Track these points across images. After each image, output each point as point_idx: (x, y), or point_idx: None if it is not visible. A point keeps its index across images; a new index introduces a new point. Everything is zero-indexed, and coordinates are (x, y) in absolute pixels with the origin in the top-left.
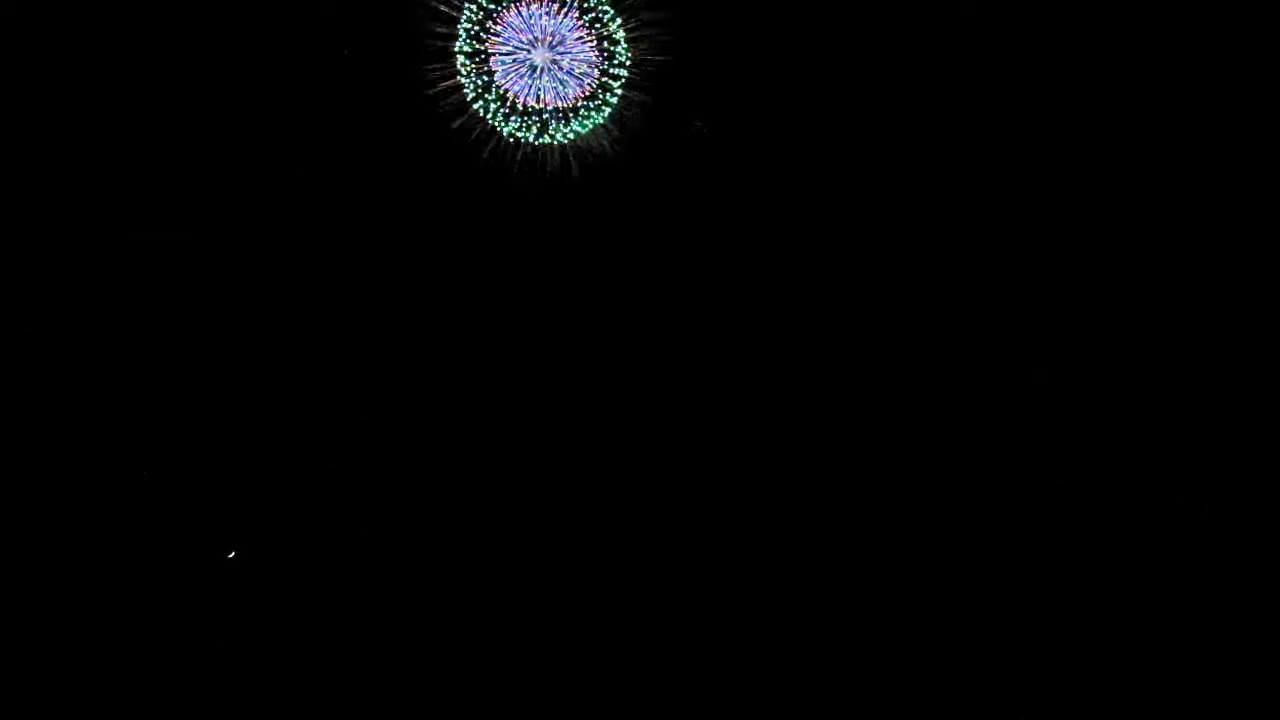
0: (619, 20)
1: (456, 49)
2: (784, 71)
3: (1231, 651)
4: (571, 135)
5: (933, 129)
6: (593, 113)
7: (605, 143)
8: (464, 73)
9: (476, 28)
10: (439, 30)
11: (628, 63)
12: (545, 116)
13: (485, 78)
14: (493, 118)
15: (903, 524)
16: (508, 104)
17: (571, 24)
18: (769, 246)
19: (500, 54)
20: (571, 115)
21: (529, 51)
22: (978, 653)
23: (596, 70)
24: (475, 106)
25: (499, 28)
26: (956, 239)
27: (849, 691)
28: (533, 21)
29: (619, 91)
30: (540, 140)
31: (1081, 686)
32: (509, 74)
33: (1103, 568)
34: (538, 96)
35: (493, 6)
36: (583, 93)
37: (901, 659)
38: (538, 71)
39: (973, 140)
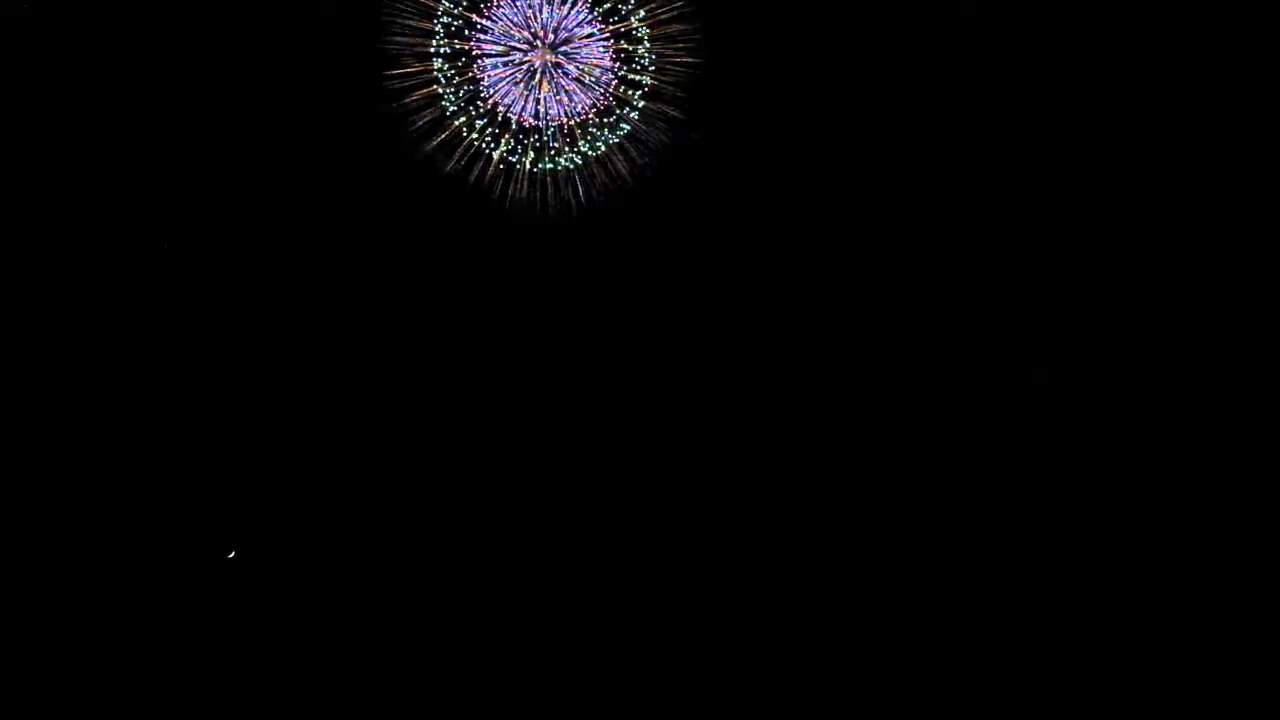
0: (641, 13)
1: (433, 50)
2: (841, 74)
3: (1232, 651)
4: (579, 159)
5: (935, 129)
6: (606, 130)
7: (621, 169)
8: (442, 80)
9: (459, 22)
10: (410, 24)
11: (651, 67)
12: (546, 136)
13: (470, 86)
14: (479, 137)
15: (903, 524)
16: (498, 119)
17: (580, 17)
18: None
19: (489, 56)
20: (579, 133)
21: (526, 52)
22: (978, 653)
23: (611, 76)
24: (457, 123)
25: (488, 22)
26: (958, 240)
27: (849, 691)
28: (531, 14)
29: (639, 104)
30: (540, 165)
31: (1081, 686)
32: (500, 81)
33: (1102, 568)
34: (537, 110)
35: None
36: (594, 105)
37: (902, 659)
38: (537, 77)
39: (975, 141)
